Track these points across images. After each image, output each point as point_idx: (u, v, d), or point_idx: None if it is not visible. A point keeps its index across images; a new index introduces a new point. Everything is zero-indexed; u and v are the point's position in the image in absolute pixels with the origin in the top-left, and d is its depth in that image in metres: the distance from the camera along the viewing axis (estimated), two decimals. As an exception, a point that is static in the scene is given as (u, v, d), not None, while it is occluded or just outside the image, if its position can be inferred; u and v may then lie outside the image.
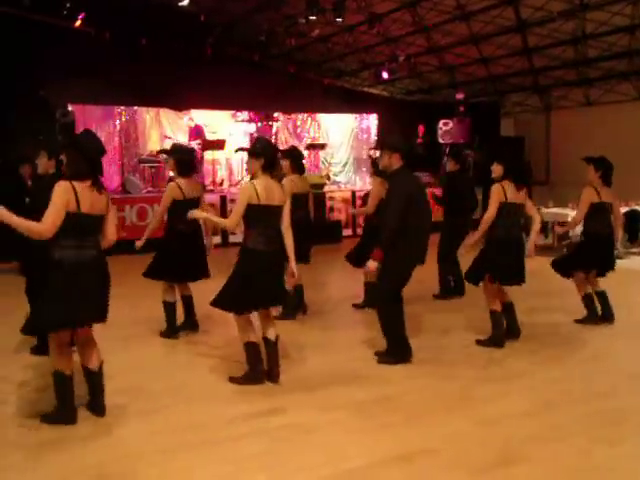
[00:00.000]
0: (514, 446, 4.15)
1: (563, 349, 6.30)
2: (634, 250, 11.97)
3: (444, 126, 17.79)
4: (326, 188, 15.38)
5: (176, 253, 6.42)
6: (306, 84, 18.87)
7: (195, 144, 15.81)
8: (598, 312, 7.13)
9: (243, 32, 16.98)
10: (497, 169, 6.43)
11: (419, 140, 18.05)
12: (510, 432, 4.36)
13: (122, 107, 16.90)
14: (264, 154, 5.27)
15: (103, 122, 16.76)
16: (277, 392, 5.12)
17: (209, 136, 16.52)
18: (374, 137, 19.92)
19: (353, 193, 15.20)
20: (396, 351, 5.85)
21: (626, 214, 10.97)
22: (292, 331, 6.75)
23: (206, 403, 4.93)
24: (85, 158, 4.42)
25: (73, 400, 4.58)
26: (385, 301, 5.84)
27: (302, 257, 6.89)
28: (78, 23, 15.18)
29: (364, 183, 19.06)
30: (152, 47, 16.20)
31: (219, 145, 15.73)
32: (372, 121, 20.19)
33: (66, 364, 4.52)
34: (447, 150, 16.14)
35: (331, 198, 14.62)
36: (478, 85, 18.38)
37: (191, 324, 6.89)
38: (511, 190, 6.25)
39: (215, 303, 5.25)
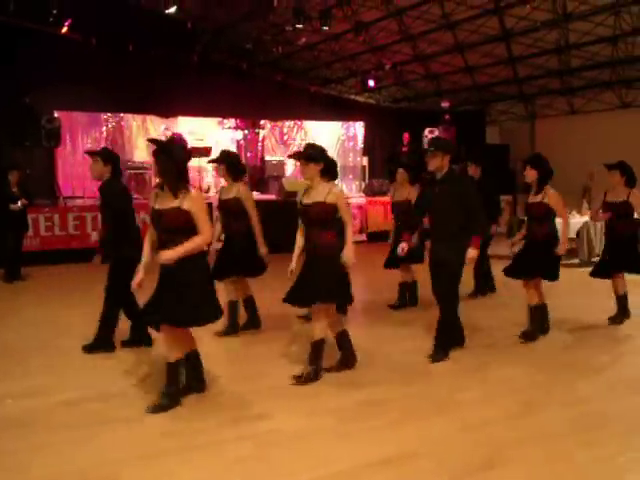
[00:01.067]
0: (497, 450, 4.18)
1: (546, 354, 6.36)
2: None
3: (430, 134, 17.93)
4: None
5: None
6: (293, 92, 18.96)
7: None
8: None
9: (230, 40, 17.05)
10: (531, 174, 6.71)
11: (404, 148, 18.16)
12: (493, 436, 4.40)
13: (108, 114, 16.89)
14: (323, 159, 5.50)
15: (89, 129, 16.78)
16: (264, 398, 5.12)
17: (196, 143, 16.52)
18: (360, 144, 20.02)
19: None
20: (450, 342, 6.19)
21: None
22: (280, 339, 6.79)
23: (190, 408, 4.93)
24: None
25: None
26: (456, 296, 6.16)
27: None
28: (64, 29, 15.17)
29: (351, 190, 19.13)
30: (139, 54, 16.22)
31: (205, 152, 15.71)
32: (358, 129, 20.30)
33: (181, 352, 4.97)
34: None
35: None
36: (463, 93, 18.56)
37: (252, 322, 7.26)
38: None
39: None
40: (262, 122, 18.69)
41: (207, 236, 4.76)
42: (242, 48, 17.05)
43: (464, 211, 5.90)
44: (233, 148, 17.26)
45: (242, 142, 18.11)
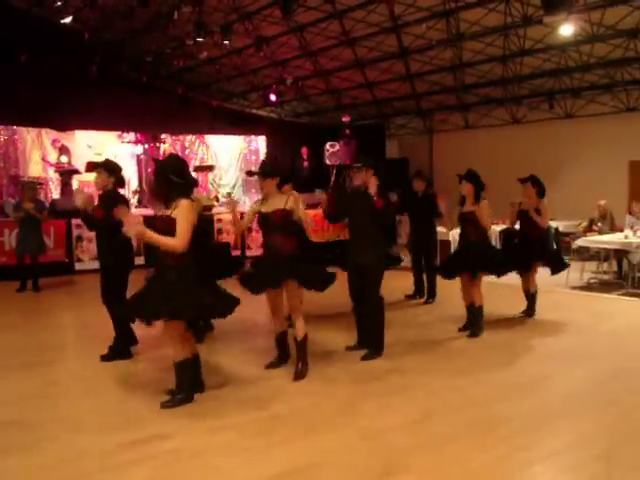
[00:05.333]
0: (396, 457, 4.29)
1: (444, 361, 6.57)
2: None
3: (331, 148, 18.19)
4: (214, 210, 15.29)
5: None
6: (194, 105, 18.78)
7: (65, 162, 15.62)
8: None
9: (130, 52, 16.74)
10: (467, 187, 7.42)
11: (304, 162, 18.32)
12: (392, 443, 4.51)
13: (0, 126, 16.22)
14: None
15: (-22, 142, 16.05)
16: (165, 417, 5.04)
17: (95, 157, 16.08)
18: (262, 159, 20.08)
19: (242, 214, 15.13)
20: (381, 345, 6.64)
21: (502, 232, 11.60)
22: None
23: (90, 432, 4.79)
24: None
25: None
26: (379, 299, 6.61)
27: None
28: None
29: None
30: (33, 64, 15.59)
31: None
32: (260, 143, 20.36)
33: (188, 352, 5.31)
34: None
35: (219, 220, 14.55)
36: (364, 108, 18.93)
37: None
38: None
39: None
40: (163, 136, 18.40)
41: (180, 242, 5.03)
42: (142, 61, 16.77)
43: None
44: (132, 162, 16.96)
45: (142, 156, 17.76)
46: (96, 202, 6.71)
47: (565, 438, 4.61)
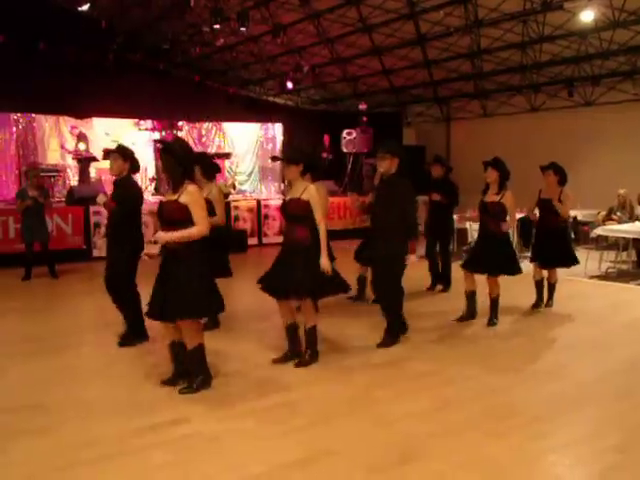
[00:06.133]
0: (412, 444, 4.30)
1: (460, 349, 6.56)
2: (527, 255, 12.53)
3: (347, 136, 18.13)
4: (231, 197, 15.35)
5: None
6: (211, 93, 18.81)
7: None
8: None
9: (147, 40, 16.76)
10: (493, 175, 7.26)
11: (325, 151, 18.27)
12: (409, 431, 4.52)
13: (19, 114, 16.32)
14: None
15: (-3, 129, 16.16)
16: (181, 403, 5.08)
17: (112, 145, 16.14)
18: (279, 146, 20.09)
19: (258, 202, 15.23)
20: (398, 331, 6.68)
21: (521, 219, 11.52)
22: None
23: (104, 416, 4.83)
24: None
25: None
26: (399, 286, 6.60)
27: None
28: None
29: (270, 192, 19.16)
30: (51, 52, 15.69)
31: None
32: (277, 130, 20.34)
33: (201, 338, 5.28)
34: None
35: (236, 207, 14.58)
36: (381, 95, 18.84)
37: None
38: None
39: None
40: (180, 123, 18.46)
41: (202, 228, 5.03)
42: (159, 48, 16.76)
43: (400, 212, 6.37)
44: (150, 150, 17.02)
45: (159, 144, 17.84)
46: (111, 189, 6.77)
47: (581, 428, 4.60)
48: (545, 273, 8.39)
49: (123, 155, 6.56)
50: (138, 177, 14.87)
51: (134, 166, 6.66)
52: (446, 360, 6.16)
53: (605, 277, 10.66)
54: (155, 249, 5.36)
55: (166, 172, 5.28)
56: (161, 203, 5.24)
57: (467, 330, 7.30)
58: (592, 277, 10.55)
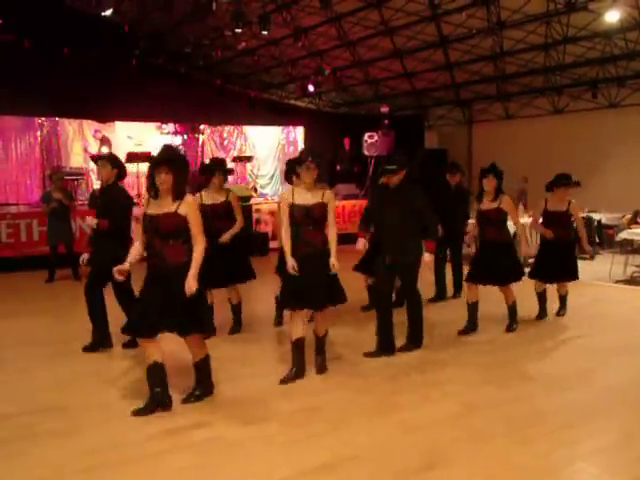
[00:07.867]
0: (437, 450, 4.24)
1: (482, 355, 6.49)
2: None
3: (369, 139, 18.07)
4: (253, 200, 15.36)
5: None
6: (232, 96, 18.87)
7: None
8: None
9: (169, 44, 16.86)
10: (492, 183, 7.03)
11: (345, 153, 18.24)
12: (433, 437, 4.46)
13: (43, 118, 16.49)
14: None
15: (23, 133, 16.34)
16: (202, 407, 5.06)
17: (135, 148, 16.27)
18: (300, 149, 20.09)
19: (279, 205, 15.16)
20: (421, 338, 6.61)
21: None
22: (215, 346, 6.70)
23: (125, 419, 4.81)
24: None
25: None
26: (417, 294, 6.57)
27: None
28: (-4, 31, 14.75)
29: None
30: (75, 57, 15.87)
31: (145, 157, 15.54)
32: (299, 133, 20.35)
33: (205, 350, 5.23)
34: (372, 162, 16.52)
35: (257, 210, 14.59)
36: (402, 98, 18.78)
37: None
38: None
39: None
40: (202, 127, 18.55)
41: (203, 247, 4.88)
42: (181, 52, 16.88)
43: (417, 217, 6.28)
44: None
45: (181, 147, 17.93)
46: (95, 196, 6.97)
47: (610, 436, 4.50)
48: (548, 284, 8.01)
49: (112, 162, 6.64)
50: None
51: (121, 174, 6.72)
52: (467, 366, 6.09)
53: (630, 281, 10.51)
54: (126, 266, 5.09)
55: (169, 184, 4.78)
56: (153, 217, 4.83)
57: (486, 336, 7.19)
58: (617, 281, 10.40)
